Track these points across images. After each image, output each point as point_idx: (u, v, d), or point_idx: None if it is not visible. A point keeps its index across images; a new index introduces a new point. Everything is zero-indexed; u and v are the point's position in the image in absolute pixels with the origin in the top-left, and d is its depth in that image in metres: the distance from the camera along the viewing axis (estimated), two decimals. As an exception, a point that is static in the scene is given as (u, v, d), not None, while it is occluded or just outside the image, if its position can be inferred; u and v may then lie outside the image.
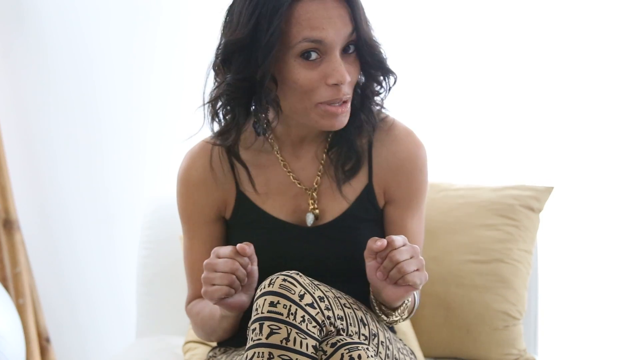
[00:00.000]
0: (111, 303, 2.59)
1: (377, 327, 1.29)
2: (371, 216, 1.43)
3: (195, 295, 1.46)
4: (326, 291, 1.22)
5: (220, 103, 1.32)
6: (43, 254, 2.58)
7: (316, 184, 1.41)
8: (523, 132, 2.37)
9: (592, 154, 2.36)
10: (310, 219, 1.39)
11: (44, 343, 2.51)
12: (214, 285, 1.23)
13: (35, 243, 2.57)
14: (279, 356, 1.13)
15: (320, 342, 1.17)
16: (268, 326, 1.15)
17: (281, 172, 1.41)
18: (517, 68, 2.32)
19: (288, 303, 1.16)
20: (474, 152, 2.39)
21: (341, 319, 1.21)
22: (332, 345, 1.17)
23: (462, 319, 1.74)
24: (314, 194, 1.41)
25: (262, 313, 1.16)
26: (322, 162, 1.41)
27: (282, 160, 1.41)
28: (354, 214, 1.41)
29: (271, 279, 1.20)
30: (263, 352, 1.14)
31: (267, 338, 1.14)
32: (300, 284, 1.18)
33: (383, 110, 1.42)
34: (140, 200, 2.21)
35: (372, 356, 1.16)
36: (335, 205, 1.41)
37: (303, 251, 1.39)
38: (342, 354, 1.15)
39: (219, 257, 1.24)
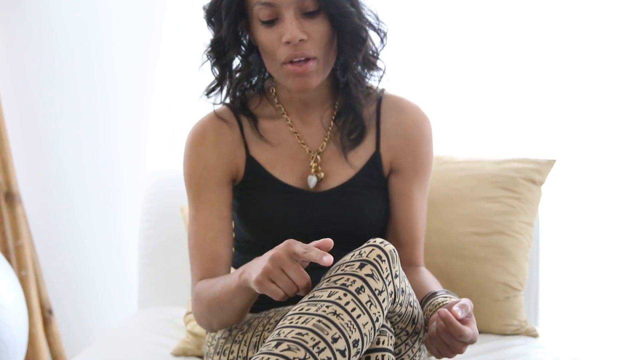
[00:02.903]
0: (113, 275, 2.60)
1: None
2: (376, 184, 1.46)
3: (201, 273, 1.42)
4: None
5: (207, 61, 1.42)
6: (44, 226, 2.58)
7: (321, 148, 1.45)
8: (525, 104, 2.37)
9: (594, 127, 2.35)
10: (312, 182, 1.42)
11: (46, 315, 2.52)
12: (272, 282, 1.15)
13: (36, 216, 2.57)
14: None
15: None
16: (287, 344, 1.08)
17: (290, 136, 1.45)
18: (520, 40, 2.31)
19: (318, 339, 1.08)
20: (476, 125, 2.38)
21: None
22: None
23: (463, 291, 1.75)
24: (318, 156, 1.44)
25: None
26: (330, 128, 1.45)
27: (290, 125, 1.45)
28: (360, 180, 1.44)
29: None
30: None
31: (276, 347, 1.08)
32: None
33: (385, 87, 1.46)
34: (142, 173, 2.21)
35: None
36: (342, 172, 1.44)
37: (308, 215, 1.42)
38: None
39: (294, 256, 1.16)
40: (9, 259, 2.43)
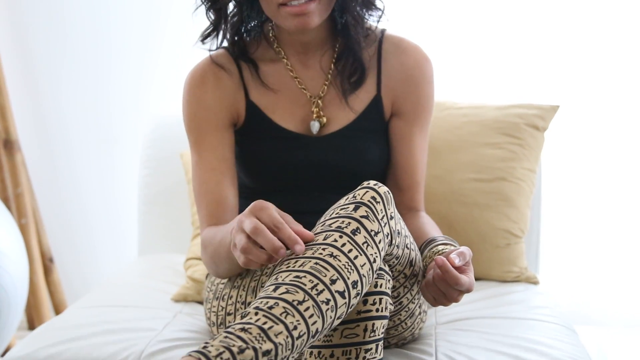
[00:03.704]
0: (112, 224, 2.60)
1: None
2: (377, 127, 1.45)
3: (207, 219, 1.40)
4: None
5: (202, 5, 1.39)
6: (44, 174, 2.57)
7: (322, 92, 1.43)
8: (529, 49, 2.34)
9: (599, 72, 2.33)
10: (315, 127, 1.41)
11: (47, 263, 2.53)
12: (247, 254, 1.10)
13: (36, 163, 2.56)
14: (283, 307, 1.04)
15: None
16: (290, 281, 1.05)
17: (290, 81, 1.44)
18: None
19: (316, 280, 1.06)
20: (479, 70, 2.35)
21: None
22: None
23: (464, 237, 1.74)
24: (319, 101, 1.43)
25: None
26: (330, 72, 1.44)
27: (289, 68, 1.43)
28: (361, 124, 1.43)
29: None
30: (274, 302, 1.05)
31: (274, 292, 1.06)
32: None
33: (386, 28, 1.44)
34: (143, 121, 2.19)
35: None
36: (342, 116, 1.43)
37: (309, 160, 1.42)
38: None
39: (268, 223, 1.09)
40: (8, 207, 2.42)
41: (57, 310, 2.54)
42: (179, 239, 1.98)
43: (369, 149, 1.43)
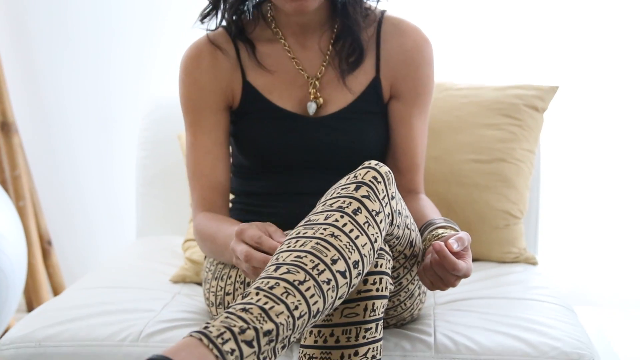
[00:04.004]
0: (110, 206, 2.60)
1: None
2: (376, 109, 1.44)
3: (201, 203, 1.41)
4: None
5: None
6: (41, 157, 2.56)
7: (320, 73, 1.42)
8: (528, 30, 2.32)
9: (598, 53, 2.32)
10: (312, 108, 1.41)
11: (45, 246, 2.52)
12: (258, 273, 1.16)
13: (33, 146, 2.55)
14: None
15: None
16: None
17: (287, 62, 1.43)
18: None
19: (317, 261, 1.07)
20: (478, 51, 2.34)
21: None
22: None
23: (464, 218, 1.74)
24: (317, 82, 1.42)
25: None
26: (328, 53, 1.43)
27: (287, 49, 1.42)
28: (359, 106, 1.42)
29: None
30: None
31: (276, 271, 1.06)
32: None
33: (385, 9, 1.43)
34: (140, 103, 2.18)
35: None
36: (341, 97, 1.42)
37: (307, 141, 1.41)
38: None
39: (250, 243, 1.16)
40: (6, 190, 2.41)
41: (56, 292, 2.54)
42: (177, 220, 1.98)
43: (365, 131, 1.42)
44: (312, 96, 1.42)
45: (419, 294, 1.36)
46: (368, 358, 1.13)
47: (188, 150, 1.44)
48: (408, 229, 1.22)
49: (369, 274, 1.12)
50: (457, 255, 1.19)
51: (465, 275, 1.18)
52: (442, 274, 1.19)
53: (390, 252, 1.18)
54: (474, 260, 1.76)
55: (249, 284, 1.30)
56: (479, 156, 1.76)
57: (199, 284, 1.65)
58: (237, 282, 1.34)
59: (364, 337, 1.12)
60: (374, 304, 1.12)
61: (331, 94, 1.42)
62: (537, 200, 1.89)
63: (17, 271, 1.99)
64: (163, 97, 2.04)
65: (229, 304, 1.35)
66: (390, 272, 1.16)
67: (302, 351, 1.13)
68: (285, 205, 1.43)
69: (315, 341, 1.13)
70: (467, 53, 2.34)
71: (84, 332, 1.35)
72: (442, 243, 1.17)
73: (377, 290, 1.12)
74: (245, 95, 1.43)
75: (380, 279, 1.13)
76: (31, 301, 2.45)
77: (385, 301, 1.14)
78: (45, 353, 1.33)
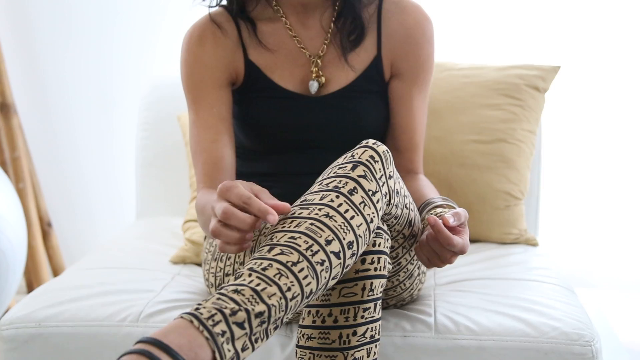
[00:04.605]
0: (110, 188, 2.59)
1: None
2: (377, 89, 1.44)
3: (202, 180, 1.38)
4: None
5: None
6: (41, 138, 2.56)
7: (321, 51, 1.42)
8: (530, 9, 2.31)
9: (600, 32, 2.30)
10: (314, 87, 1.40)
11: (45, 227, 2.52)
12: (218, 237, 1.07)
13: (33, 127, 2.54)
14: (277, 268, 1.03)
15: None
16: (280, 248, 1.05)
17: (289, 40, 1.42)
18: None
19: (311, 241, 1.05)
20: (479, 30, 2.33)
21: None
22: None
23: (464, 199, 1.73)
24: (319, 61, 1.41)
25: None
26: (330, 31, 1.42)
27: (288, 27, 1.42)
28: (361, 85, 1.42)
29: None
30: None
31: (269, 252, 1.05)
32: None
33: None
34: (141, 83, 2.17)
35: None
36: (342, 76, 1.42)
37: (309, 120, 1.41)
38: None
39: (237, 202, 1.05)
40: (6, 172, 2.41)
41: (56, 274, 2.54)
42: (177, 201, 1.97)
43: (367, 110, 1.42)
44: (314, 75, 1.41)
45: (419, 274, 1.36)
46: (366, 338, 1.13)
47: (190, 128, 1.42)
48: (407, 208, 1.21)
49: (367, 253, 1.12)
50: (454, 231, 1.19)
51: (462, 251, 1.18)
52: (438, 249, 1.19)
53: (388, 232, 1.17)
54: (473, 241, 1.77)
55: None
56: (480, 136, 1.75)
57: (199, 264, 1.65)
58: (237, 263, 1.33)
59: (362, 317, 1.12)
60: (372, 283, 1.12)
61: (333, 72, 1.42)
62: (538, 181, 1.89)
63: (17, 253, 1.99)
64: (163, 77, 2.03)
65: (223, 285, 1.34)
66: (388, 252, 1.15)
67: (301, 331, 1.13)
68: (286, 185, 1.43)
69: (314, 321, 1.12)
70: (469, 33, 2.33)
71: (83, 313, 1.35)
72: (436, 217, 1.17)
73: (376, 269, 1.12)
74: (247, 74, 1.42)
75: (379, 259, 1.13)
76: (31, 283, 2.45)
77: (383, 281, 1.14)
78: (45, 333, 1.33)
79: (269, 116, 1.41)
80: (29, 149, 2.51)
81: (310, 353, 1.13)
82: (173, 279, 1.54)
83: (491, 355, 1.28)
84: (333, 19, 1.42)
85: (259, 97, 1.42)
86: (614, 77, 2.33)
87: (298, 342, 1.14)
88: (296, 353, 1.15)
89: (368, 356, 1.14)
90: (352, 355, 1.11)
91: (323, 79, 1.41)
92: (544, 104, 1.80)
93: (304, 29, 1.43)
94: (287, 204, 1.07)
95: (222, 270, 1.37)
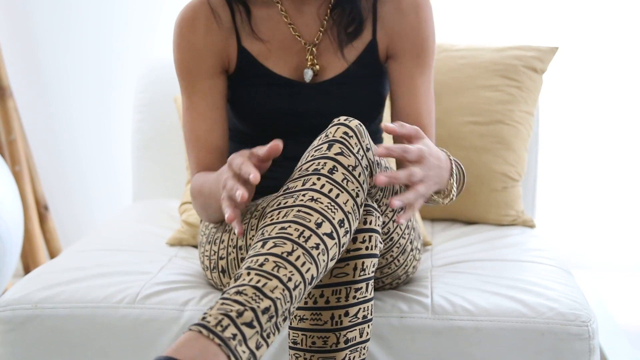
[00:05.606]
0: (106, 170, 2.59)
1: None
2: (372, 72, 1.42)
3: (197, 166, 1.40)
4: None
5: None
6: (37, 121, 2.55)
7: (317, 39, 1.40)
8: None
9: (599, 13, 2.29)
10: (308, 75, 1.39)
11: (42, 211, 2.52)
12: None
13: (29, 110, 2.53)
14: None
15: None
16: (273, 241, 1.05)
17: (284, 27, 1.40)
18: None
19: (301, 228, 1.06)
20: (477, 11, 2.32)
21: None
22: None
23: (461, 181, 1.73)
24: (314, 49, 1.40)
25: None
26: (325, 18, 1.40)
27: (283, 13, 1.40)
28: (355, 71, 1.40)
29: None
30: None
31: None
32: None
33: None
34: (137, 66, 2.16)
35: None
36: (337, 63, 1.40)
37: (303, 107, 1.40)
38: None
39: (235, 170, 1.12)
40: (2, 154, 2.40)
41: (53, 257, 2.54)
42: (173, 183, 1.97)
43: (362, 97, 1.41)
44: (309, 63, 1.40)
45: (412, 250, 1.36)
46: (359, 318, 1.13)
47: (184, 114, 1.42)
48: None
49: (358, 231, 1.12)
50: (406, 139, 1.14)
51: (418, 160, 1.11)
52: (400, 172, 1.09)
53: (379, 210, 1.17)
54: (472, 222, 1.76)
55: (240, 248, 1.30)
56: (477, 118, 1.75)
57: (196, 246, 1.65)
58: (230, 246, 1.33)
59: (354, 297, 1.12)
60: (363, 262, 1.12)
61: (327, 60, 1.40)
62: (536, 163, 1.89)
63: (13, 236, 1.99)
64: (159, 59, 2.02)
65: (222, 268, 1.34)
66: (379, 230, 1.15)
67: (293, 312, 1.13)
68: (281, 169, 1.42)
69: (305, 302, 1.13)
70: (466, 13, 2.32)
71: (80, 294, 1.35)
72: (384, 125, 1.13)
73: (367, 248, 1.12)
74: (240, 61, 1.40)
75: (370, 237, 1.13)
76: (28, 266, 2.45)
77: (375, 260, 1.14)
78: (42, 315, 1.33)
79: (263, 102, 1.40)
80: (25, 131, 2.50)
81: (302, 334, 1.13)
82: (170, 261, 1.54)
83: (488, 336, 1.28)
84: (329, 7, 1.40)
85: (252, 83, 1.41)
86: (612, 58, 2.32)
87: (290, 323, 1.15)
88: (289, 335, 1.15)
89: (361, 336, 1.14)
90: (345, 335, 1.12)
91: (317, 67, 1.40)
92: (541, 85, 1.80)
93: (299, 16, 1.41)
94: (276, 142, 1.10)
95: (217, 254, 1.37)
